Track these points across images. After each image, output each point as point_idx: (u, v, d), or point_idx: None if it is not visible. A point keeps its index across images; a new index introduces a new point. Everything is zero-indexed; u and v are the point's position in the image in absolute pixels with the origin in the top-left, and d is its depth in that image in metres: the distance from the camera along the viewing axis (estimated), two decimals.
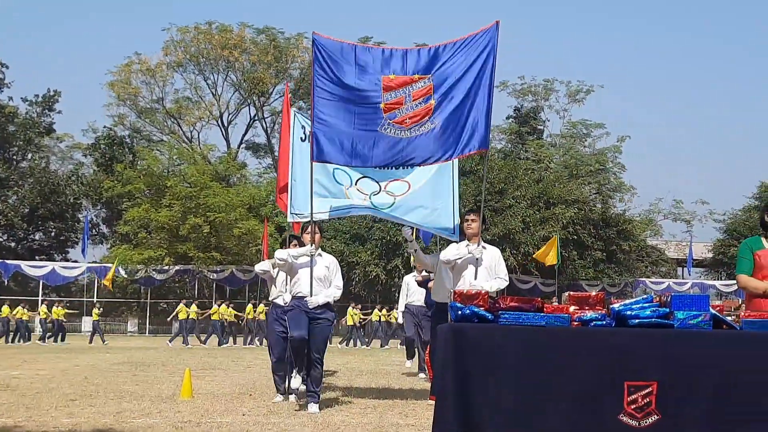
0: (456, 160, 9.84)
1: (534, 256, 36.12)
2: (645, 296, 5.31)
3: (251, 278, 42.30)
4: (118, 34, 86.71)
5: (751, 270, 6.42)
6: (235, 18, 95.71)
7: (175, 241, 41.60)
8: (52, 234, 54.39)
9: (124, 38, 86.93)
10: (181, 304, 33.30)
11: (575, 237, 40.54)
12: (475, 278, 9.06)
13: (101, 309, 35.43)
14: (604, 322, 5.10)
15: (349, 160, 9.08)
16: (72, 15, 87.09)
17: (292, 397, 10.17)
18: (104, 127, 54.96)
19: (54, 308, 32.76)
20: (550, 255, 34.73)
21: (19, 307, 32.70)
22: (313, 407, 9.02)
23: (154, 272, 41.85)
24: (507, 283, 9.46)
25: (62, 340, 31.49)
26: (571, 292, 5.41)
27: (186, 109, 56.20)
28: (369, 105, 8.89)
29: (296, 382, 9.51)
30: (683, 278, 49.33)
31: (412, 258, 23.40)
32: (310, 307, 9.19)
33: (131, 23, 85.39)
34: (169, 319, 36.90)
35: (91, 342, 30.86)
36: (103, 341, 31.10)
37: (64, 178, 53.32)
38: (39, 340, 31.71)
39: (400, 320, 15.89)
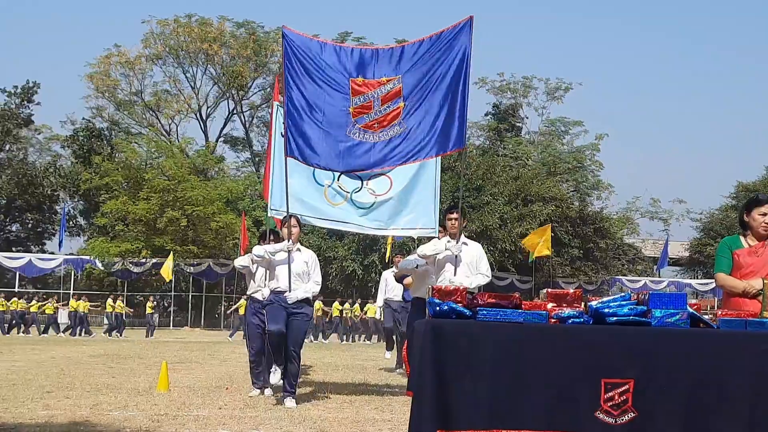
0: (438, 157, 9.81)
1: (524, 243, 35.41)
2: (623, 294, 5.34)
3: (228, 272, 42.22)
4: (97, 25, 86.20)
5: (729, 268, 6.45)
6: (214, 11, 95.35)
7: (152, 234, 41.48)
8: (29, 225, 54.04)
9: (103, 30, 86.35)
10: (243, 299, 33.47)
11: (553, 234, 40.70)
12: (455, 275, 9.09)
13: (155, 302, 35.64)
14: (582, 320, 5.12)
15: (318, 162, 9.01)
16: (51, 6, 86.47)
17: (267, 391, 10.17)
18: (83, 119, 54.73)
19: (117, 302, 32.90)
20: (539, 246, 34.16)
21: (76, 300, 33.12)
22: (289, 402, 9.01)
23: (131, 265, 41.66)
24: (489, 279, 9.46)
25: (119, 334, 31.77)
26: (549, 290, 5.44)
27: (165, 102, 55.93)
28: (337, 108, 8.80)
29: (275, 377, 9.48)
30: (660, 277, 49.66)
31: (387, 253, 23.51)
32: (288, 302, 9.19)
33: (111, 15, 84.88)
34: (229, 312, 37.35)
35: (150, 335, 31.38)
36: (149, 335, 31.41)
37: (41, 170, 52.98)
38: (104, 332, 32.07)
39: (379, 315, 15.93)
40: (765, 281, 5.86)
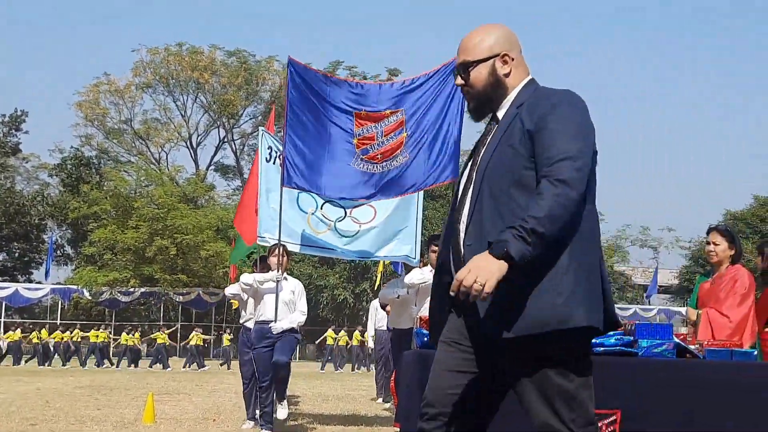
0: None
1: None
2: None
3: (218, 301, 42.01)
4: (87, 54, 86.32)
5: (694, 301, 6.70)
6: (206, 40, 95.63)
7: (141, 263, 41.28)
8: (16, 255, 53.77)
9: (93, 59, 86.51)
10: (330, 330, 33.32)
11: None
12: None
13: (232, 335, 35.22)
14: None
15: (318, 190, 9.14)
16: (41, 34, 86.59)
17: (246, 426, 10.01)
18: (71, 147, 54.64)
19: (158, 333, 32.68)
20: None
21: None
22: (281, 413, 8.94)
23: (119, 294, 41.42)
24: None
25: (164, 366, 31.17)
26: None
27: (155, 130, 55.91)
28: (341, 138, 8.97)
29: (282, 412, 9.27)
30: (650, 305, 49.66)
31: (377, 281, 23.41)
32: (274, 333, 9.10)
33: (101, 44, 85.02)
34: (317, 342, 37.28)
35: (228, 367, 30.52)
36: (228, 366, 30.65)
37: (29, 199, 52.81)
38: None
39: (371, 345, 15.86)
40: (699, 312, 6.02)
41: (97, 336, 32.42)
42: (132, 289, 41.48)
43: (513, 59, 3.22)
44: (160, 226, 40.75)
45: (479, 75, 3.18)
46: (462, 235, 3.06)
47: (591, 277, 2.97)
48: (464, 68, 3.20)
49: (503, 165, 3.01)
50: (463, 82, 3.23)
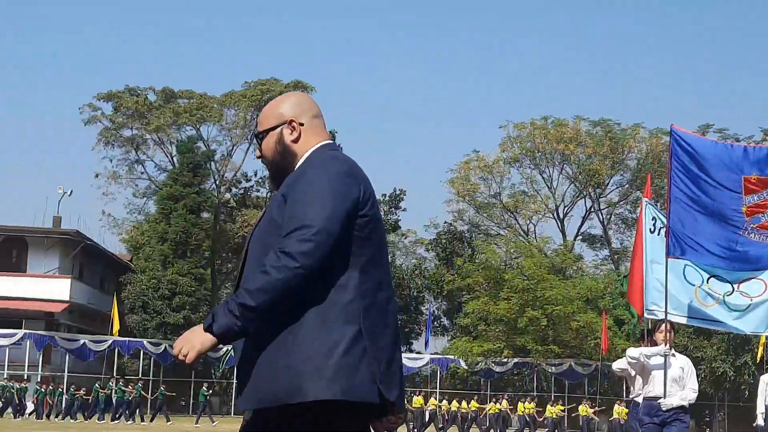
0: None
1: None
2: None
3: (590, 372, 41.61)
4: (457, 134, 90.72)
5: None
6: (570, 112, 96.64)
7: (512, 334, 42.06)
8: (399, 324, 57.08)
9: (463, 137, 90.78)
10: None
11: None
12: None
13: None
14: None
15: (705, 260, 8.91)
16: (414, 119, 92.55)
17: None
18: (444, 222, 57.33)
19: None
20: None
21: None
22: None
23: (493, 364, 42.43)
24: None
25: None
26: None
27: (522, 203, 57.09)
28: (730, 207, 8.67)
29: None
30: None
31: (759, 353, 21.99)
32: (663, 409, 8.95)
33: (470, 123, 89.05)
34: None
35: None
36: None
37: (408, 272, 56.01)
38: None
39: (761, 422, 14.93)
40: None
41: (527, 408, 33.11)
42: (505, 360, 42.33)
43: (302, 124, 3.13)
44: (530, 297, 41.35)
45: (268, 144, 3.16)
46: None
47: (337, 350, 2.85)
48: (258, 140, 3.20)
49: (262, 233, 3.03)
50: (259, 153, 3.21)
